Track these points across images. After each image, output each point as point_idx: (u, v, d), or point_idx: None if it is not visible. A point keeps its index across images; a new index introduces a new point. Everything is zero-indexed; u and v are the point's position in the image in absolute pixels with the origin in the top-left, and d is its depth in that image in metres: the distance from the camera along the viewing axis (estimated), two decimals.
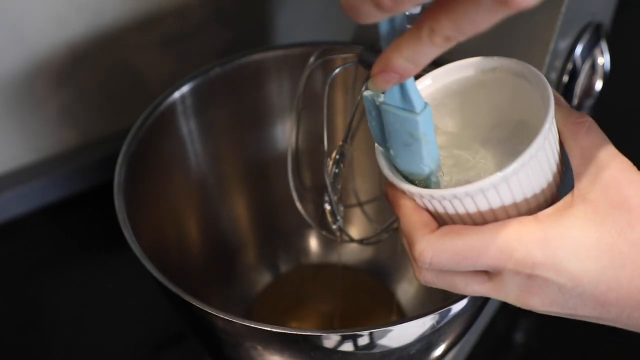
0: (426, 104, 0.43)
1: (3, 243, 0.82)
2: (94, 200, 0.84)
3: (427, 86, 0.49)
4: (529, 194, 0.43)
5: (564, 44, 0.64)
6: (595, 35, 0.68)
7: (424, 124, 0.43)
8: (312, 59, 0.64)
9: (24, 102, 0.80)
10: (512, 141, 0.47)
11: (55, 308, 0.77)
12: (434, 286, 0.45)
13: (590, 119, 0.44)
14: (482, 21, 0.35)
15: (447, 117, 0.49)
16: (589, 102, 0.71)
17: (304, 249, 0.77)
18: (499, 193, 0.42)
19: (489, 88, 0.48)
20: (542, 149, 0.43)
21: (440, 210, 0.44)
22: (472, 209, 0.43)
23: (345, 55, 0.62)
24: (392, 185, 0.46)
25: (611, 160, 0.42)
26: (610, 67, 0.71)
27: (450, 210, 0.44)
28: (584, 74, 0.68)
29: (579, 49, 0.66)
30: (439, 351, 0.58)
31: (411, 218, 0.44)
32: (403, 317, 0.72)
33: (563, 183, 0.46)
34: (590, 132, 0.44)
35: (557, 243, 0.41)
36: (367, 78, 0.57)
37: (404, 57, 0.39)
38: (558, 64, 0.65)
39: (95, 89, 0.84)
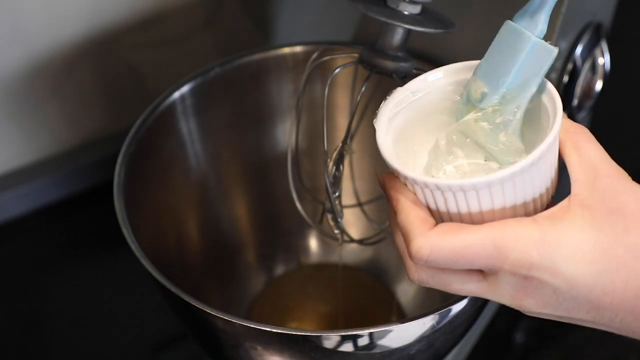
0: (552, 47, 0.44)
1: (3, 243, 0.82)
2: (94, 200, 0.84)
3: (438, 78, 0.49)
4: (529, 197, 0.44)
5: (564, 44, 0.64)
6: (595, 35, 0.68)
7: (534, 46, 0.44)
8: (312, 59, 0.64)
9: (24, 102, 0.80)
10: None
11: (55, 308, 0.77)
12: (428, 286, 0.45)
13: (587, 130, 0.45)
14: None
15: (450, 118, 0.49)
16: (589, 102, 0.71)
17: (304, 249, 0.77)
18: (503, 191, 0.43)
19: None
20: (549, 152, 0.43)
21: (441, 206, 0.44)
22: (474, 206, 0.43)
23: (345, 55, 0.62)
24: (389, 176, 0.46)
25: (608, 169, 0.43)
26: (610, 67, 0.71)
27: (452, 207, 0.44)
28: (584, 74, 0.68)
29: (579, 49, 0.66)
30: (438, 351, 0.58)
31: (410, 213, 0.44)
32: (403, 317, 0.72)
33: (556, 193, 0.46)
34: (588, 142, 0.44)
35: (554, 245, 0.41)
36: (367, 78, 0.57)
37: None
38: (558, 64, 0.65)
39: (95, 89, 0.84)
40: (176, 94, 0.66)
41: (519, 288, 0.43)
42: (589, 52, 0.67)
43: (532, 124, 0.47)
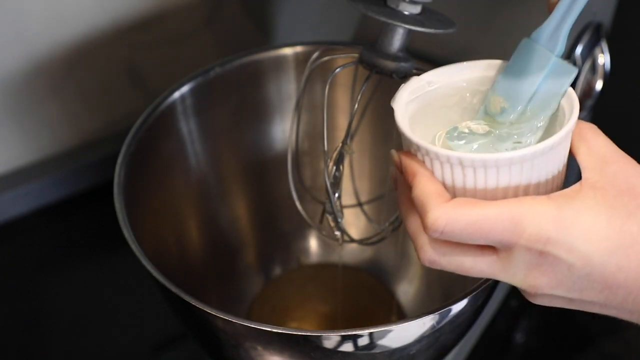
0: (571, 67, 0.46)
1: (3, 243, 0.82)
2: (94, 200, 0.84)
3: (453, 73, 0.49)
4: (542, 179, 0.44)
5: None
6: (595, 35, 0.68)
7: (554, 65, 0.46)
8: (312, 59, 0.64)
9: (24, 102, 0.80)
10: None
11: (55, 308, 0.77)
12: (439, 267, 0.45)
13: (595, 126, 0.46)
14: None
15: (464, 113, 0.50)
16: (589, 102, 0.71)
17: (304, 249, 0.77)
18: (522, 170, 0.43)
19: None
20: (565, 140, 0.44)
21: (459, 181, 0.44)
22: (491, 183, 0.44)
23: (345, 55, 0.62)
24: (405, 153, 0.46)
25: (617, 157, 0.44)
26: (610, 67, 0.71)
27: (469, 183, 0.44)
28: (584, 74, 0.68)
29: (579, 49, 0.66)
30: (438, 351, 0.58)
31: (426, 186, 0.44)
32: (403, 317, 0.72)
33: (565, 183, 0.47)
34: (596, 135, 0.45)
35: (570, 222, 0.42)
36: (367, 78, 0.57)
37: None
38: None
39: (95, 89, 0.84)
40: (176, 94, 0.66)
41: (533, 265, 0.43)
42: (589, 52, 0.67)
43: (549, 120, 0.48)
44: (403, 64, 0.55)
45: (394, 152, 0.48)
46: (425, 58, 0.65)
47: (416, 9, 0.53)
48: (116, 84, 0.85)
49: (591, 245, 0.42)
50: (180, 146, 0.68)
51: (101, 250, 0.81)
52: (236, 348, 0.54)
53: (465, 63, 0.50)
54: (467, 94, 0.50)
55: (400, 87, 0.49)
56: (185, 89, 0.66)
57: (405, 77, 0.55)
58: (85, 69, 0.81)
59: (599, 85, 0.70)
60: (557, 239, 0.42)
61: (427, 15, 0.53)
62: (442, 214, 0.43)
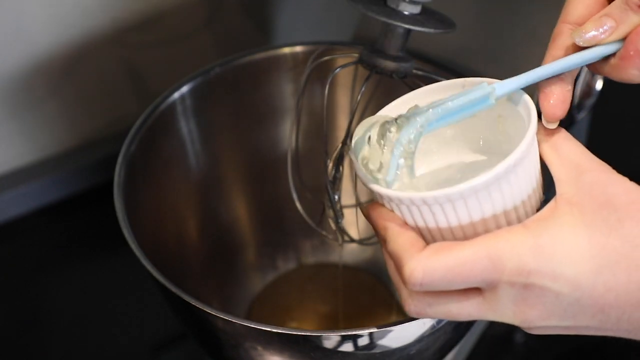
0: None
1: (3, 243, 0.82)
2: (94, 200, 0.84)
3: (410, 101, 0.48)
4: (517, 200, 0.43)
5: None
6: None
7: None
8: (312, 59, 0.64)
9: (24, 102, 0.80)
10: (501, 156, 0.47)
11: (55, 308, 0.77)
12: (427, 317, 0.44)
13: (564, 130, 0.44)
14: None
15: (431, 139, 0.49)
16: (589, 102, 0.71)
17: (304, 249, 0.77)
18: (490, 195, 0.42)
19: None
20: (528, 156, 0.42)
21: (431, 222, 0.43)
22: (464, 217, 0.42)
23: (345, 55, 0.62)
24: (374, 206, 0.45)
25: (590, 164, 0.43)
26: None
27: (442, 222, 0.43)
28: (584, 74, 0.67)
29: None
30: (439, 351, 0.58)
31: (398, 239, 0.43)
32: (403, 317, 0.72)
33: (543, 198, 0.46)
34: (566, 141, 0.44)
35: (549, 248, 0.40)
36: (367, 78, 0.57)
37: None
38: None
39: (95, 89, 0.84)
40: (176, 94, 0.66)
41: (520, 300, 0.41)
42: None
43: (502, 133, 0.47)
44: (403, 64, 0.55)
45: (362, 207, 0.47)
46: (425, 58, 0.65)
47: (416, 9, 0.53)
48: (116, 84, 0.85)
49: (576, 268, 0.40)
50: (180, 146, 0.68)
51: (101, 250, 0.81)
52: (236, 348, 0.54)
53: (418, 90, 0.49)
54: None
55: (357, 129, 0.47)
56: (185, 89, 0.66)
57: (405, 77, 0.55)
58: (85, 69, 0.81)
59: (599, 84, 0.70)
60: (538, 268, 0.40)
61: (427, 15, 0.53)
62: (417, 265, 0.41)
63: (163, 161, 0.67)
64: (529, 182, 0.44)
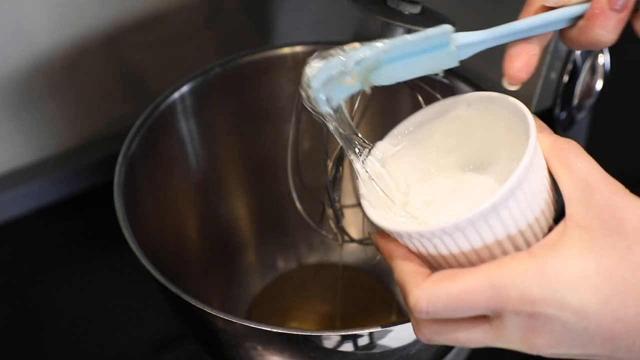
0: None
1: (3, 243, 0.82)
2: (94, 200, 0.84)
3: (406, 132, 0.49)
4: (522, 224, 0.42)
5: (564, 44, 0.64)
6: None
7: None
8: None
9: (24, 102, 0.80)
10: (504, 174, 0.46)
11: (55, 308, 0.77)
12: (436, 343, 0.44)
13: (575, 143, 0.43)
14: None
15: (443, 155, 0.49)
16: (589, 102, 0.71)
17: (304, 249, 0.77)
18: (489, 224, 0.41)
19: (473, 124, 0.48)
20: (527, 179, 0.41)
21: (433, 251, 0.43)
22: (465, 246, 0.42)
23: None
24: (380, 235, 0.45)
25: (602, 184, 0.41)
26: (610, 67, 0.71)
27: (443, 251, 0.43)
28: (584, 74, 0.68)
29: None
30: (438, 351, 0.58)
31: (403, 268, 0.43)
32: (403, 317, 0.72)
33: (557, 212, 0.45)
34: (577, 157, 0.42)
35: (555, 276, 0.39)
36: None
37: None
38: (558, 64, 0.65)
39: (95, 89, 0.84)
40: (176, 94, 0.66)
41: (527, 328, 0.40)
42: (589, 52, 0.67)
43: (513, 146, 0.46)
44: None
45: (371, 234, 0.47)
46: None
47: (416, 9, 0.53)
48: (116, 84, 0.85)
49: (582, 298, 0.39)
50: (180, 146, 0.68)
51: (101, 250, 0.81)
52: (236, 348, 0.54)
53: (422, 111, 0.49)
54: (436, 135, 0.49)
55: (364, 162, 0.48)
56: (185, 89, 0.66)
57: None
58: (85, 69, 0.81)
59: (599, 84, 0.70)
60: (544, 297, 0.39)
61: (427, 15, 0.53)
62: (421, 294, 0.41)
63: (163, 161, 0.67)
64: (534, 203, 0.42)
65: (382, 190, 0.47)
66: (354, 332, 0.50)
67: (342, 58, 0.44)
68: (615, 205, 0.40)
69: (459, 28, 0.54)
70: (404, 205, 0.49)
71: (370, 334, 0.50)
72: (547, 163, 0.43)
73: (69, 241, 0.83)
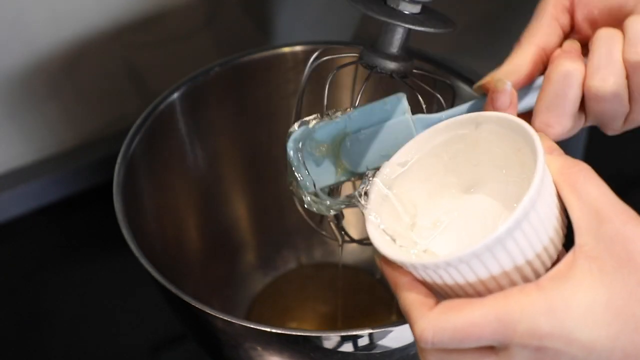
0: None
1: (3, 243, 0.82)
2: (93, 200, 0.84)
3: (424, 144, 0.49)
4: (529, 255, 0.41)
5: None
6: None
7: None
8: (312, 59, 0.64)
9: (24, 102, 0.80)
10: (513, 197, 0.46)
11: (55, 308, 0.77)
12: None
13: (585, 165, 0.42)
14: None
15: (450, 175, 0.49)
16: None
17: (304, 249, 0.77)
18: (495, 256, 0.41)
19: (481, 144, 0.47)
20: (534, 209, 0.41)
21: (439, 281, 0.43)
22: (470, 277, 0.41)
23: (345, 55, 0.62)
24: (386, 262, 0.45)
25: (612, 212, 0.40)
26: None
27: (449, 281, 0.42)
28: None
29: None
30: None
31: (409, 297, 0.43)
32: (403, 317, 0.72)
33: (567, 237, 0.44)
34: (587, 181, 0.41)
35: (563, 311, 0.39)
36: (367, 78, 0.57)
37: None
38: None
39: (94, 89, 0.84)
40: (176, 94, 0.66)
41: None
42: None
43: (523, 168, 0.45)
44: (403, 64, 0.55)
45: (376, 256, 0.46)
46: (425, 58, 0.65)
47: (416, 9, 0.52)
48: (116, 83, 0.85)
49: (591, 333, 0.39)
50: (180, 146, 0.68)
51: (101, 250, 0.81)
52: (236, 348, 0.54)
53: (430, 130, 0.48)
54: (446, 157, 0.48)
55: (370, 183, 0.48)
56: (185, 88, 0.66)
57: (405, 77, 0.55)
58: (85, 68, 0.81)
59: None
60: (551, 332, 0.39)
61: (426, 15, 0.53)
62: (427, 324, 0.41)
63: (163, 161, 0.67)
64: (542, 232, 0.42)
65: (397, 205, 0.48)
66: (354, 333, 0.50)
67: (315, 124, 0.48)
68: (626, 236, 0.39)
69: (459, 28, 0.54)
70: (412, 226, 0.48)
71: (370, 335, 0.50)
72: (556, 187, 0.43)
73: (69, 241, 0.83)
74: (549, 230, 0.42)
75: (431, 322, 0.41)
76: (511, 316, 0.39)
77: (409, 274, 0.44)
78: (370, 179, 0.48)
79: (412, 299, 0.43)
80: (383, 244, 0.45)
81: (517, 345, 0.40)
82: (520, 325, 0.39)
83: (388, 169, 0.48)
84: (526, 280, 0.42)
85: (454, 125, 0.47)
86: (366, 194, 0.47)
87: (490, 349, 0.41)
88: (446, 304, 0.41)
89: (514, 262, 0.41)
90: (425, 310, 0.41)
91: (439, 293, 0.44)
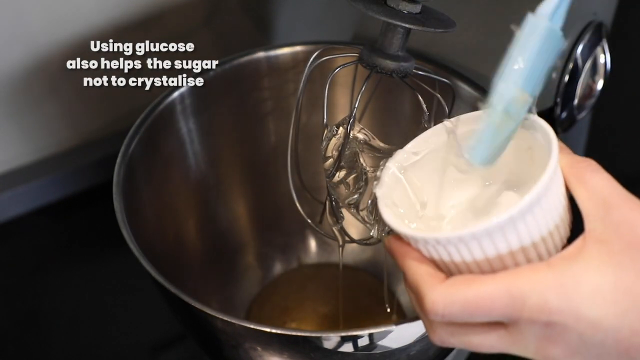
0: None
1: (3, 243, 0.82)
2: (93, 200, 0.84)
3: (438, 135, 0.49)
4: (537, 238, 0.42)
5: (565, 44, 0.64)
6: (596, 34, 0.67)
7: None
8: (312, 59, 0.64)
9: (24, 102, 0.80)
10: (522, 190, 0.46)
11: (55, 308, 0.77)
12: (451, 346, 0.44)
13: (592, 161, 0.44)
14: None
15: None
16: (590, 102, 0.71)
17: (304, 249, 0.77)
18: (505, 236, 0.41)
19: None
20: (546, 195, 0.42)
21: (446, 258, 0.43)
22: (479, 255, 0.42)
23: (345, 55, 0.62)
24: (395, 238, 0.45)
25: (620, 200, 0.41)
26: (611, 67, 0.70)
27: (457, 258, 0.43)
28: (585, 74, 0.67)
29: (579, 49, 0.66)
30: (439, 352, 0.58)
31: (418, 270, 0.43)
32: (403, 317, 0.72)
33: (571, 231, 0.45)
34: (595, 174, 0.43)
35: (572, 288, 0.40)
36: (367, 78, 0.57)
37: None
38: (559, 63, 0.65)
39: (94, 89, 0.84)
40: (176, 94, 0.66)
41: (543, 337, 0.41)
42: (589, 52, 0.67)
43: (532, 165, 0.46)
44: (403, 64, 0.55)
45: (384, 238, 0.47)
46: (425, 58, 0.65)
47: (416, 9, 0.52)
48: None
49: (599, 311, 0.39)
50: (179, 146, 0.68)
51: (101, 250, 0.81)
52: (236, 348, 0.54)
53: (445, 122, 0.49)
54: (462, 152, 0.48)
55: (384, 166, 0.48)
56: (185, 89, 0.66)
57: (405, 76, 0.55)
58: (85, 68, 0.81)
59: (599, 84, 0.70)
60: (561, 308, 0.40)
61: (427, 15, 0.53)
62: (438, 296, 0.41)
63: (163, 161, 0.67)
64: (550, 218, 0.43)
65: (409, 191, 0.48)
66: (354, 333, 0.50)
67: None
68: (634, 221, 0.41)
69: (459, 28, 0.54)
70: (421, 212, 0.49)
71: (370, 335, 0.50)
72: (565, 181, 0.44)
73: (69, 241, 0.83)
74: (556, 217, 0.43)
75: (442, 294, 0.41)
76: (521, 291, 0.40)
77: (417, 250, 0.44)
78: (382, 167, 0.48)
79: (422, 272, 0.43)
80: (395, 220, 0.45)
81: (526, 320, 0.40)
82: (530, 300, 0.40)
83: (403, 155, 0.49)
84: (530, 262, 0.43)
85: (468, 120, 0.48)
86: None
87: (499, 323, 0.42)
88: (457, 278, 0.42)
89: (522, 243, 0.42)
90: (435, 282, 0.42)
91: (445, 272, 0.44)
